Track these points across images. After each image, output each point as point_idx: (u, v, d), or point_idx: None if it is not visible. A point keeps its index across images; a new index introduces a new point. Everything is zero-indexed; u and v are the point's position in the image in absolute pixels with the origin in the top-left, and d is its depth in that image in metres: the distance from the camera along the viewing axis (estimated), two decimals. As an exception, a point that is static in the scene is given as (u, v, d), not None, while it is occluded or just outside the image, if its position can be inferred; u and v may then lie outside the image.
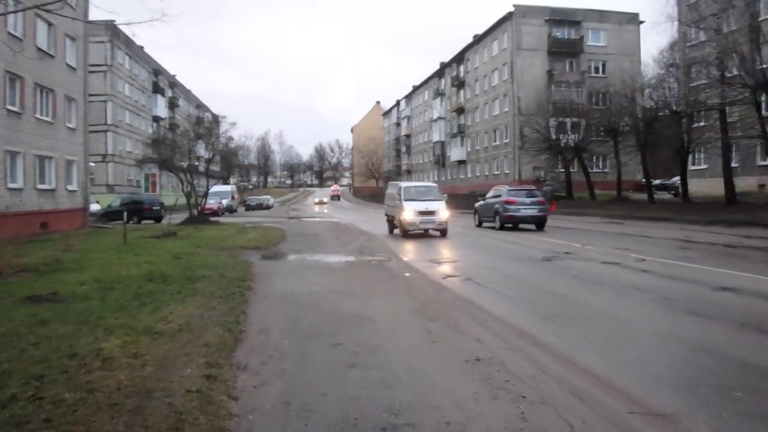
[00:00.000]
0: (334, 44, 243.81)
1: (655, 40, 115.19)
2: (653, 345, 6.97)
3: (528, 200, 25.52)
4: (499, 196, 26.63)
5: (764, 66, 26.47)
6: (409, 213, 22.19)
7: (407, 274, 13.12)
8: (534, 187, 29.90)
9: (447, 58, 77.77)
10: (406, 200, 22.63)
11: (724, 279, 11.09)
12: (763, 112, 27.23)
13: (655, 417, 4.70)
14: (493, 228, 26.08)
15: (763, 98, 27.07)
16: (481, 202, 29.08)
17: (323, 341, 6.98)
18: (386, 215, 26.45)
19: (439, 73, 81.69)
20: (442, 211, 22.38)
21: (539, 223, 25.31)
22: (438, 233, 22.66)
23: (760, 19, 27.66)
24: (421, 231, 22.78)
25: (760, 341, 6.90)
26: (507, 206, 25.33)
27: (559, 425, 4.47)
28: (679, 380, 5.64)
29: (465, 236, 23.59)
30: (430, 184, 28.84)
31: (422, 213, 22.14)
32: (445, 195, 24.70)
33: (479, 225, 28.26)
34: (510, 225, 25.39)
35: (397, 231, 24.11)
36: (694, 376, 5.72)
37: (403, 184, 25.48)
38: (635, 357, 6.48)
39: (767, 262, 13.59)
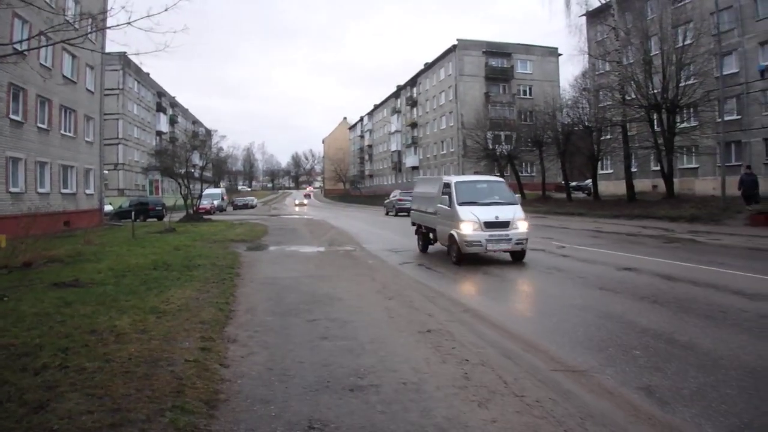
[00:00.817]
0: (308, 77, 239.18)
1: (571, 69, 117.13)
2: (571, 314, 7.10)
3: (410, 198, 31.58)
4: (395, 196, 37.77)
5: (655, 91, 27.23)
6: (468, 225, 11.62)
7: (370, 261, 13.06)
8: None
9: (402, 82, 77.81)
10: (461, 204, 12.02)
11: (626, 261, 11.38)
12: (656, 127, 27.96)
13: (572, 373, 4.80)
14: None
15: (655, 117, 27.79)
16: (386, 200, 41.87)
17: (300, 317, 6.92)
18: (415, 225, 15.53)
19: (396, 94, 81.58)
20: (520, 222, 11.96)
21: None
22: (509, 255, 12.30)
23: (651, 54, 28.38)
24: (486, 252, 11.84)
25: (654, 310, 7.09)
26: (398, 203, 35.81)
27: (496, 382, 4.54)
28: (591, 343, 5.77)
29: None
30: (494, 178, 16.79)
31: (490, 225, 11.62)
32: (518, 196, 14.23)
33: (389, 214, 37.78)
34: (404, 213, 30.10)
35: (434, 247, 14.28)
36: (603, 339, 5.85)
37: (454, 178, 13.28)
38: (556, 324, 6.60)
39: (658, 247, 13.97)
